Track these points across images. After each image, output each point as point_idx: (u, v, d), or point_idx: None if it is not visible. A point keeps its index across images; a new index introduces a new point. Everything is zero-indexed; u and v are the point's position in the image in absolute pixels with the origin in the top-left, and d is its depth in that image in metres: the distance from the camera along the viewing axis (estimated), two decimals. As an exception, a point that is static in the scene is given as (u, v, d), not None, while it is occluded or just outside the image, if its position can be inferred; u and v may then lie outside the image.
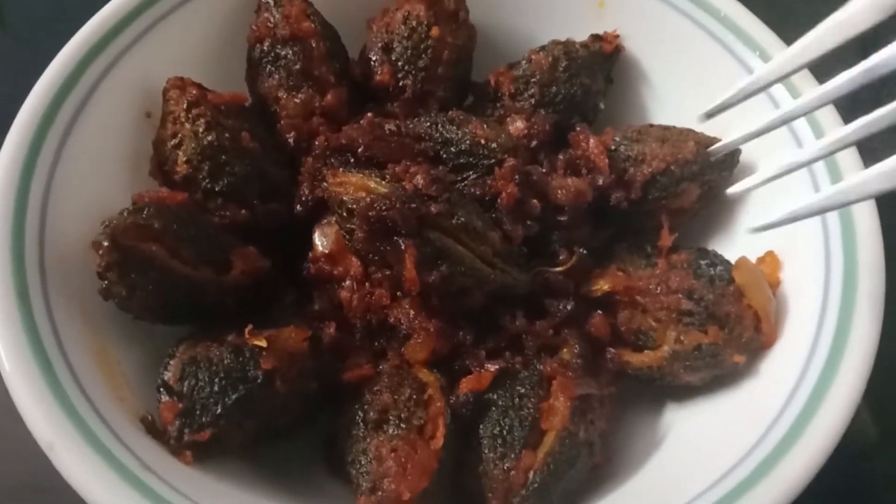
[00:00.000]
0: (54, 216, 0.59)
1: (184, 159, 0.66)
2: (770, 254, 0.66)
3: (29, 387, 0.51)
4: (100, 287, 0.57)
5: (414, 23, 0.74)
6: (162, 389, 0.56)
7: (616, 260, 0.69)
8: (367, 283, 0.65)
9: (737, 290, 0.62)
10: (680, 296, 0.63)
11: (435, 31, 0.74)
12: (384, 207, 0.58)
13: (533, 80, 0.75)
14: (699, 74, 0.75)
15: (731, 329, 0.62)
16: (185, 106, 0.67)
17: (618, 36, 0.78)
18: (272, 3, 0.73)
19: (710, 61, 0.73)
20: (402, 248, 0.59)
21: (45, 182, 0.59)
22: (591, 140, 0.71)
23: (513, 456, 0.57)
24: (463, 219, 0.60)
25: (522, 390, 0.60)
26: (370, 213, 0.58)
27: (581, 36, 0.78)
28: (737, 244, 0.70)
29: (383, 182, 0.61)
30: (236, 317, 0.62)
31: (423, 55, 0.74)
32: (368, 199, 0.59)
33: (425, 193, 0.60)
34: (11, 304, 0.53)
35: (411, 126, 0.69)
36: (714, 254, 0.67)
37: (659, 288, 0.63)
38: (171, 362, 0.57)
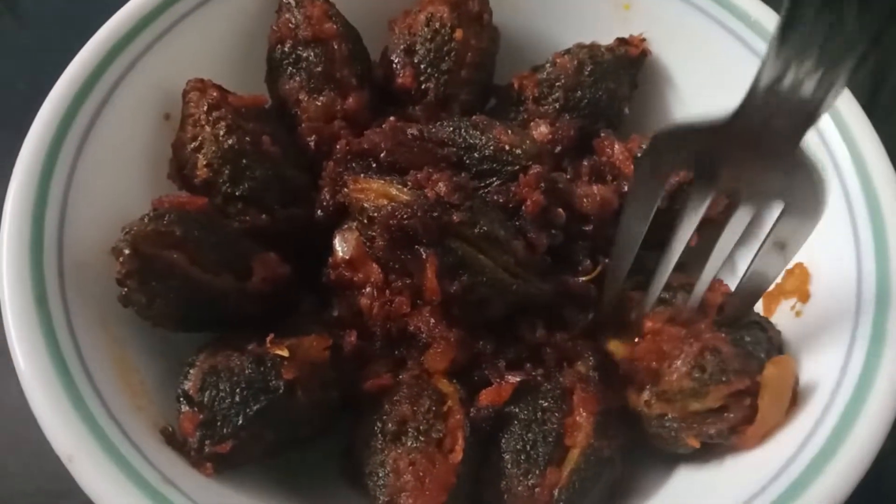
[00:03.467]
0: (73, 220, 0.58)
1: (204, 163, 0.65)
2: (800, 266, 0.65)
3: (47, 395, 0.50)
4: (119, 294, 0.56)
5: (437, 25, 0.73)
6: (182, 399, 0.55)
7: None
8: (387, 291, 0.64)
9: (757, 383, 0.58)
10: (707, 352, 0.59)
11: (458, 34, 0.72)
12: (405, 216, 0.57)
13: (557, 84, 0.73)
14: (726, 79, 0.72)
15: (726, 409, 0.58)
16: (205, 108, 0.66)
17: (644, 40, 0.76)
18: (294, 3, 0.72)
19: (738, 66, 0.71)
20: (423, 257, 0.58)
21: (64, 184, 0.59)
22: (617, 146, 0.70)
23: (537, 472, 0.56)
24: (485, 227, 0.59)
25: (545, 404, 0.59)
26: (391, 222, 0.57)
27: (606, 39, 0.76)
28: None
29: (405, 189, 0.60)
30: (257, 324, 0.61)
31: (447, 58, 0.72)
32: (389, 207, 0.58)
33: (447, 201, 0.59)
34: (30, 309, 0.53)
35: (434, 131, 0.68)
36: (767, 336, 0.62)
37: (691, 341, 0.60)
38: (192, 371, 0.56)
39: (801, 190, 0.53)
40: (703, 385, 0.58)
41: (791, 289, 0.65)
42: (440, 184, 0.60)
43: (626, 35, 0.77)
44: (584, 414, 0.58)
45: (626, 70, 0.75)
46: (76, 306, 0.55)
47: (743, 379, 0.57)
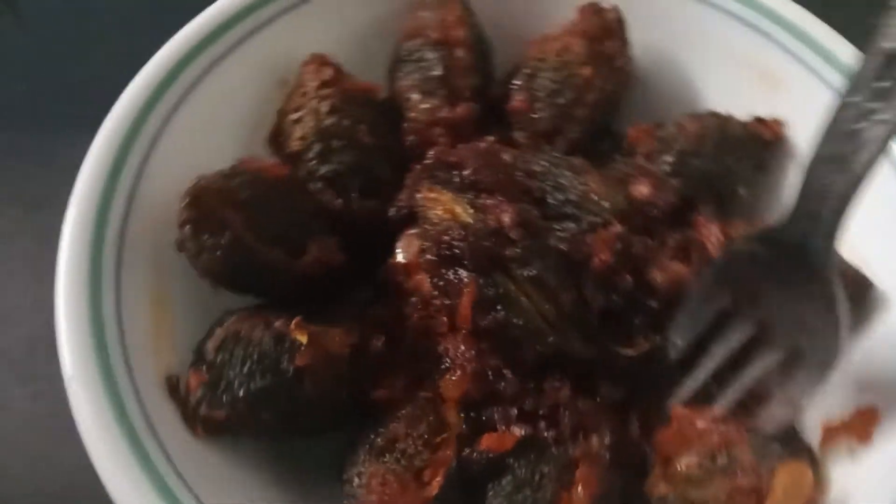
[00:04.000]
0: (159, 160, 0.61)
1: (299, 135, 0.67)
2: (871, 408, 0.58)
3: (69, 296, 0.53)
4: (177, 236, 0.58)
5: (568, 57, 0.70)
6: (196, 354, 0.57)
7: None
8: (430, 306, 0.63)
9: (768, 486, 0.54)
10: (724, 445, 0.55)
11: (586, 71, 0.70)
12: (457, 237, 0.56)
13: (674, 146, 0.69)
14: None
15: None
16: (316, 84, 0.67)
17: (782, 124, 0.70)
18: (434, 3, 0.72)
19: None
20: (465, 282, 0.56)
21: (158, 126, 0.62)
22: (713, 227, 0.65)
23: None
24: (535, 271, 0.56)
25: (546, 469, 0.56)
26: (443, 239, 0.56)
27: (743, 113, 0.71)
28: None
29: (471, 210, 0.58)
30: (302, 300, 0.62)
31: (567, 92, 0.70)
32: (446, 224, 0.57)
33: (506, 234, 0.57)
34: (90, 227, 0.56)
35: (528, 160, 0.66)
36: (793, 446, 0.58)
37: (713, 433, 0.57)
38: (217, 330, 0.58)
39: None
40: (709, 474, 0.54)
41: (853, 427, 0.58)
42: (505, 215, 0.58)
43: (766, 114, 0.71)
44: (582, 493, 0.55)
45: (752, 151, 0.69)
46: (135, 232, 0.58)
47: (750, 476, 0.53)
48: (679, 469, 0.56)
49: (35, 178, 0.88)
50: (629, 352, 0.61)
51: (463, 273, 0.57)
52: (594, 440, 0.59)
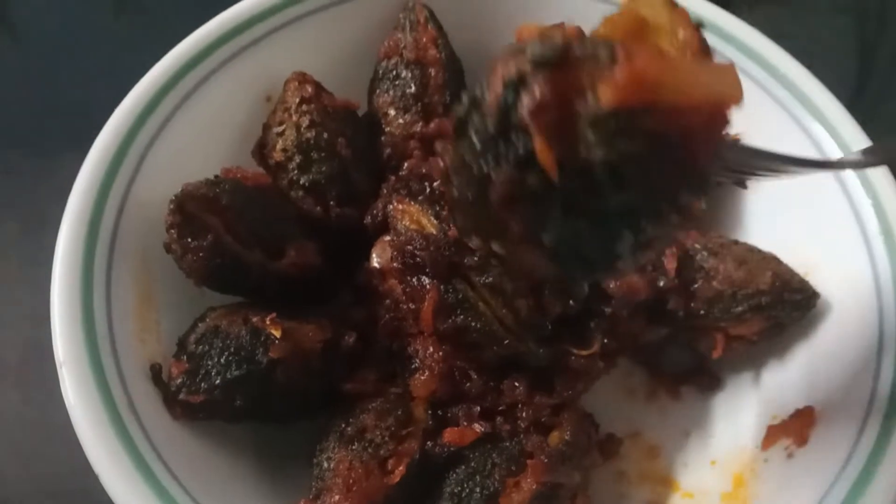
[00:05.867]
0: (150, 169, 0.66)
1: (281, 147, 0.71)
2: (809, 410, 0.62)
3: (63, 294, 0.58)
4: (164, 238, 0.63)
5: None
6: (180, 345, 0.62)
7: None
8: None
9: None
10: None
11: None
12: (419, 247, 0.60)
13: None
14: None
15: None
16: (297, 100, 0.72)
17: (738, 139, 0.74)
18: (409, 25, 0.77)
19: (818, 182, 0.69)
20: (428, 288, 0.61)
21: (150, 138, 0.67)
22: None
23: None
24: (491, 279, 0.61)
25: (497, 459, 0.60)
26: (406, 248, 0.61)
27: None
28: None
29: (435, 222, 0.63)
30: (283, 300, 0.67)
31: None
32: (410, 234, 0.61)
33: (466, 244, 0.61)
34: (82, 231, 0.61)
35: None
36: None
37: None
38: (199, 325, 0.63)
39: None
40: None
41: (793, 429, 0.62)
42: (465, 226, 0.62)
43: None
44: (530, 480, 0.59)
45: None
46: (125, 234, 0.63)
47: None
48: None
49: (31, 195, 0.92)
50: (581, 353, 0.65)
51: (426, 280, 0.61)
52: (555, 434, 0.63)
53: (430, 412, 0.64)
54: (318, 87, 0.74)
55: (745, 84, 0.72)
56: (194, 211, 0.61)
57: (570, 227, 0.41)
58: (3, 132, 0.98)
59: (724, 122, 0.39)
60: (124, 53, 0.98)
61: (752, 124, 0.73)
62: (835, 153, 0.68)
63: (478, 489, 0.59)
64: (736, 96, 0.39)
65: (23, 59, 1.05)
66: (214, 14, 0.73)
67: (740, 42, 0.75)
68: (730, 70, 0.40)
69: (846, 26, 1.14)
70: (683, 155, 0.39)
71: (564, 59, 0.38)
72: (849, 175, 0.67)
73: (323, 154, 0.71)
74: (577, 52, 0.38)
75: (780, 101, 0.73)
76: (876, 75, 1.10)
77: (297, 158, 0.71)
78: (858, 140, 0.68)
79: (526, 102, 0.38)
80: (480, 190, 0.42)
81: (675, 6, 0.46)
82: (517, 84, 0.39)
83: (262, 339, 0.61)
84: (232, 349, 0.60)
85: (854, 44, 1.12)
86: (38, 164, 0.94)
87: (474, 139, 0.41)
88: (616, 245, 0.41)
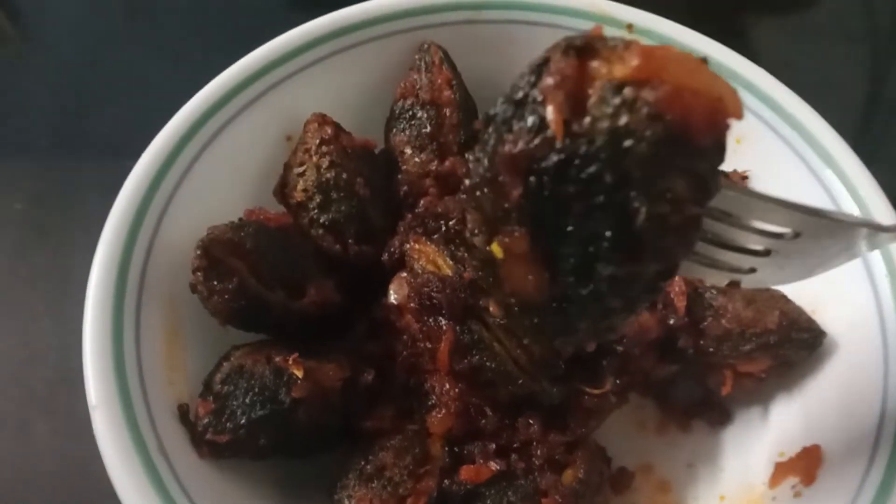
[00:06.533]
0: (177, 210, 0.69)
1: (302, 187, 0.74)
2: (816, 448, 0.64)
3: (94, 342, 0.60)
4: (190, 279, 0.66)
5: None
6: (206, 385, 0.64)
7: None
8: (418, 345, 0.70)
9: None
10: None
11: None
12: (435, 289, 0.62)
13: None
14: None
15: None
16: (317, 141, 0.74)
17: (746, 177, 0.77)
18: (424, 67, 0.79)
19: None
20: (444, 329, 0.63)
21: (177, 180, 0.69)
22: (677, 278, 0.71)
23: None
24: (507, 320, 0.63)
25: (513, 497, 0.62)
26: (423, 290, 0.63)
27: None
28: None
29: (450, 263, 0.65)
30: (303, 336, 0.69)
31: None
32: (427, 277, 0.64)
33: (481, 286, 0.63)
34: (113, 270, 0.63)
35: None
36: None
37: None
38: (224, 364, 0.65)
39: None
40: None
41: (800, 468, 0.64)
42: (481, 268, 0.64)
43: (730, 167, 0.77)
44: (546, 519, 0.61)
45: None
46: (153, 276, 0.65)
47: None
48: None
49: (58, 224, 0.94)
50: (594, 392, 0.67)
51: (442, 321, 0.63)
52: (568, 473, 0.65)
53: (446, 449, 0.66)
54: (338, 127, 0.76)
55: (752, 122, 0.75)
56: (220, 255, 0.64)
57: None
58: (29, 161, 1.01)
59: (725, 122, 0.39)
60: (143, 77, 1.03)
61: (757, 163, 0.77)
62: (842, 194, 0.70)
63: (494, 527, 0.61)
64: (736, 106, 0.39)
65: (43, 84, 1.08)
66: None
67: (745, 80, 0.77)
68: (731, 87, 0.40)
69: (855, 54, 1.16)
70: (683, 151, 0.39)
71: (586, 47, 0.41)
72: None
73: (342, 194, 0.73)
74: (598, 44, 0.41)
75: (787, 140, 0.74)
76: (884, 103, 1.11)
77: (318, 198, 0.73)
78: (868, 184, 0.70)
79: (546, 78, 0.41)
80: (492, 163, 0.44)
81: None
82: (541, 65, 0.41)
83: (285, 378, 0.63)
84: (256, 389, 0.62)
85: (863, 71, 1.14)
86: (64, 192, 0.96)
87: (496, 121, 0.44)
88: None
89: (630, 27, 0.80)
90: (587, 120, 0.40)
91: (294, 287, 0.69)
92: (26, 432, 0.81)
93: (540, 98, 0.41)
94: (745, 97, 0.77)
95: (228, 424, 0.61)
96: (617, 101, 0.39)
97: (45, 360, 0.85)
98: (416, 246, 0.68)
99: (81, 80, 1.07)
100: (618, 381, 0.66)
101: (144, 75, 1.06)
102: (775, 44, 1.16)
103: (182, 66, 0.73)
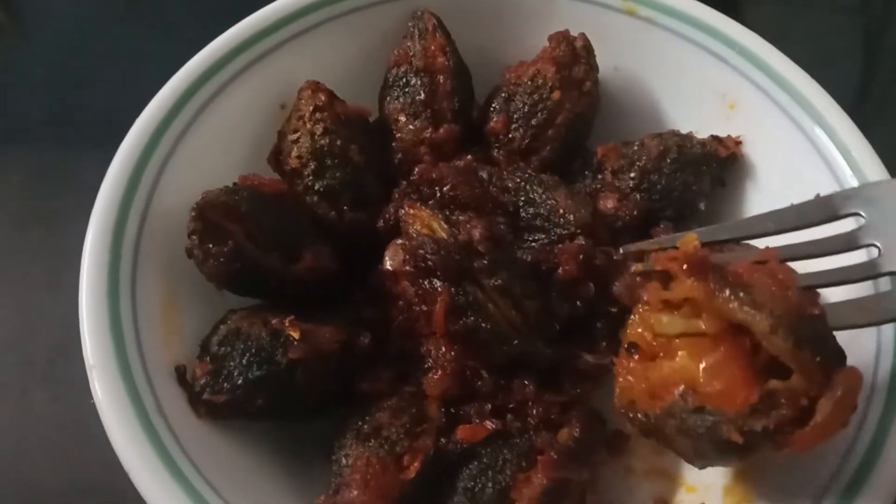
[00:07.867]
0: (171, 177, 0.69)
1: (296, 154, 0.74)
2: None
3: (91, 303, 0.61)
4: (186, 243, 0.66)
5: (539, 81, 0.77)
6: (203, 347, 0.64)
7: None
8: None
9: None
10: None
11: (556, 95, 0.76)
12: (430, 251, 0.63)
13: (638, 163, 0.76)
14: (798, 188, 0.71)
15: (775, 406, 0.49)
16: (311, 108, 0.74)
17: (740, 143, 0.77)
18: (418, 34, 0.79)
19: (813, 178, 0.71)
20: (439, 291, 0.63)
21: (170, 146, 0.69)
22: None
23: None
24: (501, 281, 0.63)
25: (508, 455, 0.63)
26: (418, 253, 0.63)
27: (704, 133, 0.78)
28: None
29: (445, 226, 0.65)
30: (299, 302, 0.69)
31: (539, 114, 0.77)
32: (422, 239, 0.64)
33: (475, 247, 0.64)
34: (107, 239, 0.64)
35: (503, 177, 0.73)
36: None
37: None
38: (221, 327, 0.65)
39: None
40: None
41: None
42: (475, 230, 0.65)
43: (724, 133, 0.77)
44: (541, 475, 0.61)
45: (710, 167, 0.76)
46: (149, 240, 0.66)
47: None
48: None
49: (56, 198, 0.95)
50: (590, 358, 0.67)
51: (437, 283, 0.64)
52: (564, 432, 0.65)
53: (443, 410, 0.66)
54: (331, 95, 0.76)
55: (745, 88, 0.75)
56: (215, 218, 0.64)
57: None
58: (26, 137, 1.02)
59: None
60: (138, 54, 1.03)
61: (752, 128, 0.77)
62: (835, 156, 0.70)
63: (490, 484, 0.61)
64: None
65: (44, 67, 1.08)
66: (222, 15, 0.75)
67: (743, 47, 0.77)
68: None
69: (850, 25, 1.16)
70: None
71: None
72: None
73: (336, 160, 0.73)
74: None
75: (781, 106, 0.74)
76: (880, 73, 1.11)
77: (312, 165, 0.73)
78: (861, 146, 0.70)
79: None
80: None
81: None
82: None
83: (282, 340, 0.63)
84: (253, 350, 0.63)
85: (858, 42, 1.14)
86: (62, 167, 0.97)
87: None
88: None
89: (629, -4, 0.80)
90: None
91: (289, 252, 0.69)
92: (26, 400, 0.81)
93: None
94: (740, 63, 0.77)
95: (225, 385, 0.62)
96: None
97: (45, 330, 0.85)
98: (411, 211, 0.68)
99: (76, 55, 1.07)
100: (605, 344, 0.67)
101: (139, 50, 1.06)
102: (771, 16, 1.16)
103: (177, 41, 0.73)
